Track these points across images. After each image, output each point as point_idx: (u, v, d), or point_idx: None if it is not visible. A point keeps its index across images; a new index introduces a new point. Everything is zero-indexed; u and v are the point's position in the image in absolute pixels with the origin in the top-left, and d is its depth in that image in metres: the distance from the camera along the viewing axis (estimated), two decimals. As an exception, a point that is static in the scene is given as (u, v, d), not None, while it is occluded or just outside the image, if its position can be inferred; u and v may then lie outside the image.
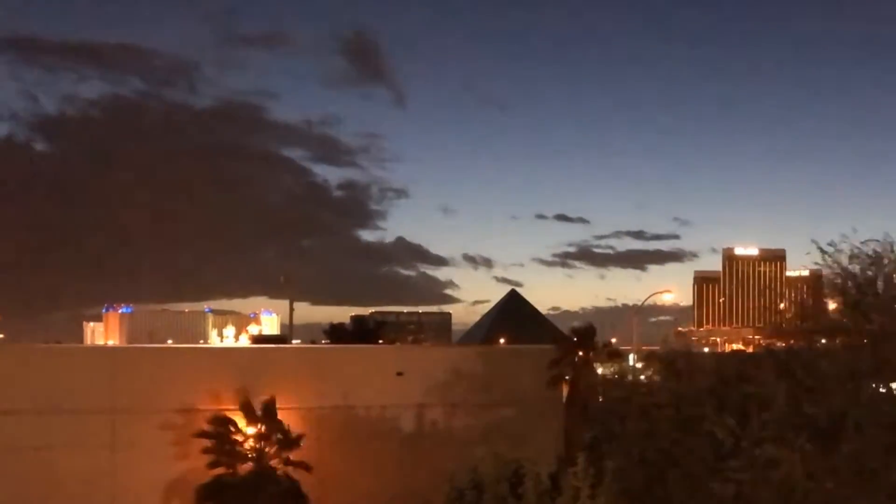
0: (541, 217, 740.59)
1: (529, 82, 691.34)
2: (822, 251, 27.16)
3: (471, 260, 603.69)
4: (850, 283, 26.75)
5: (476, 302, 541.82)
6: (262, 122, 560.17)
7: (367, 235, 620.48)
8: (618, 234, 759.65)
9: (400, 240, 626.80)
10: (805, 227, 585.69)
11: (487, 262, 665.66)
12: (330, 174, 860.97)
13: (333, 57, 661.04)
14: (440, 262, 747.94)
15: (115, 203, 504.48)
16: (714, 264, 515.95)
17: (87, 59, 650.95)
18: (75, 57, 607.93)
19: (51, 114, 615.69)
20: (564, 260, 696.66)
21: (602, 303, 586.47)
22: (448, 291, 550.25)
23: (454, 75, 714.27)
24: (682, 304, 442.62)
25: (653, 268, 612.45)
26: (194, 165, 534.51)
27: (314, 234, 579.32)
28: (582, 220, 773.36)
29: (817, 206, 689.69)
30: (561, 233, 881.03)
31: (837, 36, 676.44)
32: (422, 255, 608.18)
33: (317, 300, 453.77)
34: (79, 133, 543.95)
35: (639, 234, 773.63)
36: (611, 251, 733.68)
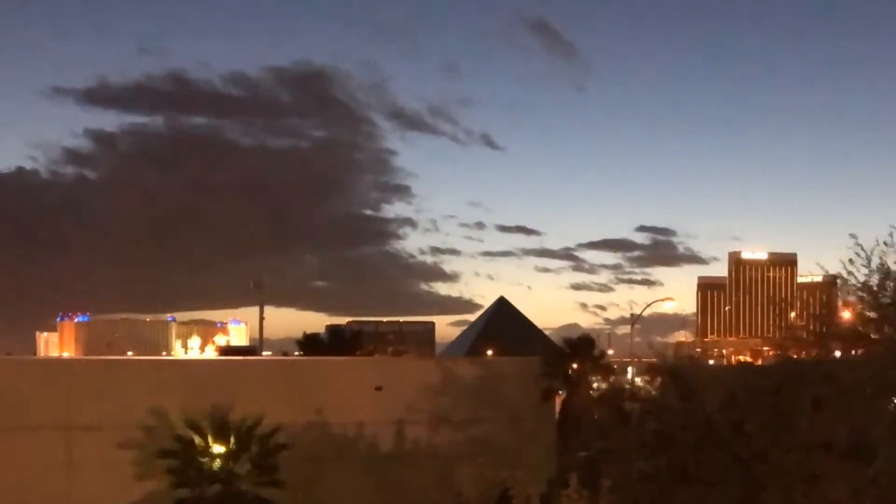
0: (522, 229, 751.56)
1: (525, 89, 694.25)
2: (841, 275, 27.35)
3: (443, 273, 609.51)
4: (866, 294, 26.90)
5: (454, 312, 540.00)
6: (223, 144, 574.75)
7: (344, 245, 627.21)
8: (608, 243, 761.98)
9: (376, 251, 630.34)
10: (817, 230, 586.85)
11: (460, 276, 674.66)
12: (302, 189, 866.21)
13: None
14: (418, 274, 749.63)
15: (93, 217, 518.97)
16: (720, 270, 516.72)
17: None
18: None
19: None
20: (547, 270, 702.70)
21: (586, 314, 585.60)
22: (427, 303, 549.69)
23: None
24: (684, 311, 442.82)
25: (648, 278, 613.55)
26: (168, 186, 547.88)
27: (298, 246, 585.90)
28: (565, 229, 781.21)
29: (831, 207, 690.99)
30: (545, 242, 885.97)
31: (850, 36, 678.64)
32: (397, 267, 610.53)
33: (293, 307, 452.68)
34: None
35: (632, 243, 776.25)
36: (599, 260, 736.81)
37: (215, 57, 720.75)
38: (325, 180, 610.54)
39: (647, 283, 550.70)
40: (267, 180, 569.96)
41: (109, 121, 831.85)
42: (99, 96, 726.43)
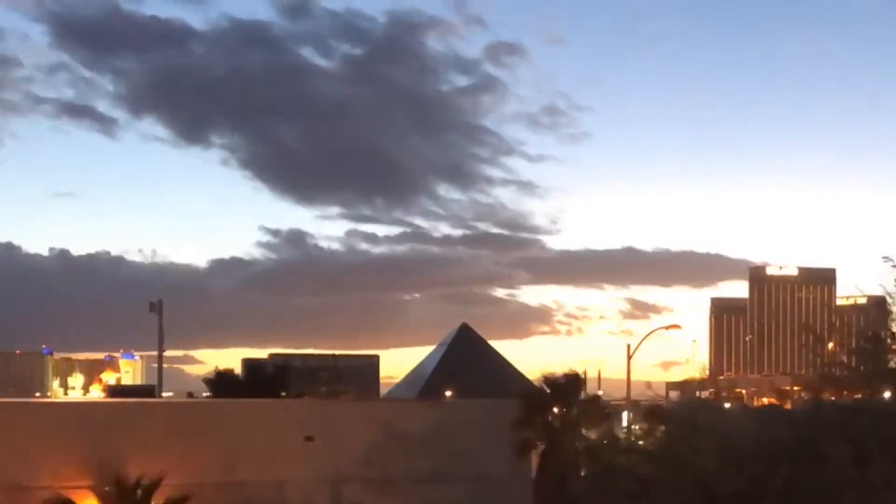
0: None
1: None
2: None
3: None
4: None
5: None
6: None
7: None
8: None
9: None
10: (858, 240, 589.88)
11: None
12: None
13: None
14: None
15: None
16: (739, 290, 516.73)
17: None
18: None
19: None
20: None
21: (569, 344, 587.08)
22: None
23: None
24: (695, 341, 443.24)
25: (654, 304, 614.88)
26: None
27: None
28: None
29: (874, 213, 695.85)
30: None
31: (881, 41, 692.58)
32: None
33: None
34: None
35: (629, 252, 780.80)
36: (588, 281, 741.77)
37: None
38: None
39: (654, 309, 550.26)
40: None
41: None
42: None
